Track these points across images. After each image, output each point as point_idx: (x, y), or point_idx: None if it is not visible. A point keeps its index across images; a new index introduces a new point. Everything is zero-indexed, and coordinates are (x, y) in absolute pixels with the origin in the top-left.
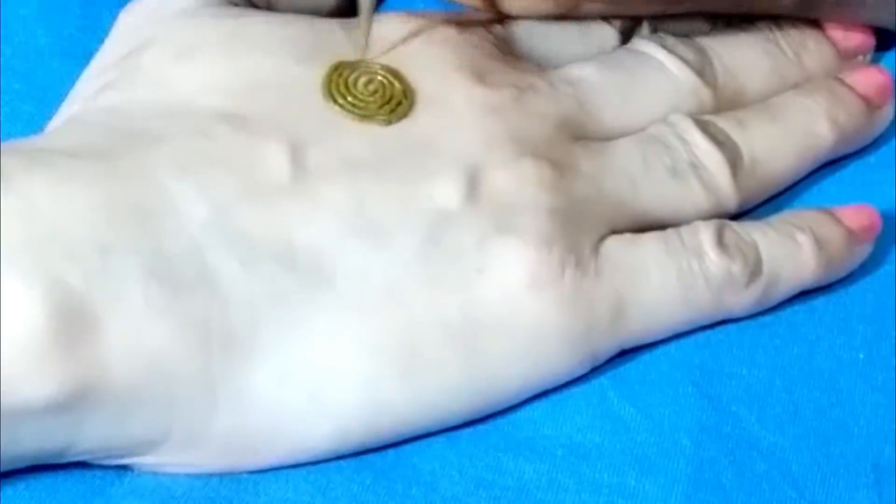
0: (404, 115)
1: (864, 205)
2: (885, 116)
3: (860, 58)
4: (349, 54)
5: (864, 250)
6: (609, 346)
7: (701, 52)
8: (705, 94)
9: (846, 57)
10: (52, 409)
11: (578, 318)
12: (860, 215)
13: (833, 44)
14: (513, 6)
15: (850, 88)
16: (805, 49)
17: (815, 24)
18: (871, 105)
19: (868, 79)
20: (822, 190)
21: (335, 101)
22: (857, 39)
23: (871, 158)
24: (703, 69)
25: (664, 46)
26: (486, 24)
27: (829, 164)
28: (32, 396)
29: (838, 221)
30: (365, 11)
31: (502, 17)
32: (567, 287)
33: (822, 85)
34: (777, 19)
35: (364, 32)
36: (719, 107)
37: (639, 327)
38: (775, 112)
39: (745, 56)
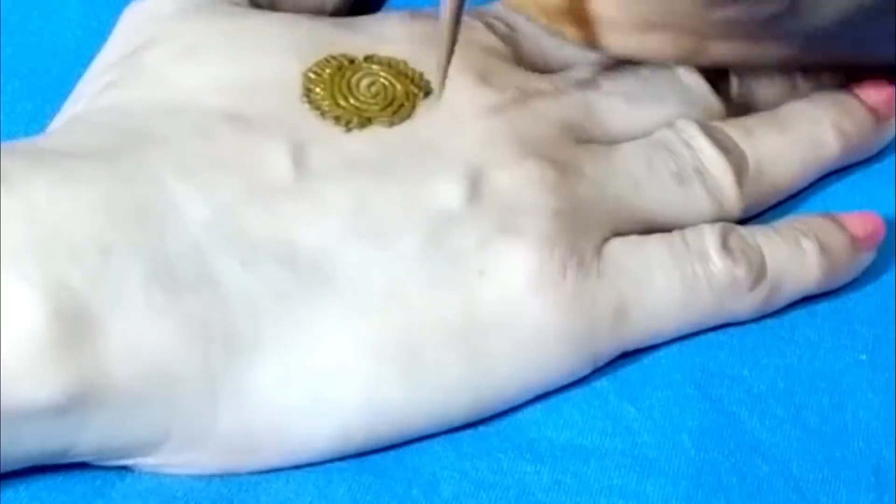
0: (406, 116)
1: (868, 212)
2: (891, 127)
3: None
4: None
5: (867, 257)
6: (610, 348)
7: None
8: (715, 103)
9: None
10: (53, 411)
11: (580, 320)
12: (864, 222)
13: None
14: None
15: (858, 99)
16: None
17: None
18: (878, 116)
19: (876, 90)
20: (827, 195)
21: (337, 104)
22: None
23: (876, 165)
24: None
25: None
26: (491, 25)
27: (834, 170)
28: (33, 398)
29: (843, 228)
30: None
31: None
32: (569, 288)
33: (829, 95)
34: None
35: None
36: (729, 115)
37: (641, 330)
38: (783, 121)
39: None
